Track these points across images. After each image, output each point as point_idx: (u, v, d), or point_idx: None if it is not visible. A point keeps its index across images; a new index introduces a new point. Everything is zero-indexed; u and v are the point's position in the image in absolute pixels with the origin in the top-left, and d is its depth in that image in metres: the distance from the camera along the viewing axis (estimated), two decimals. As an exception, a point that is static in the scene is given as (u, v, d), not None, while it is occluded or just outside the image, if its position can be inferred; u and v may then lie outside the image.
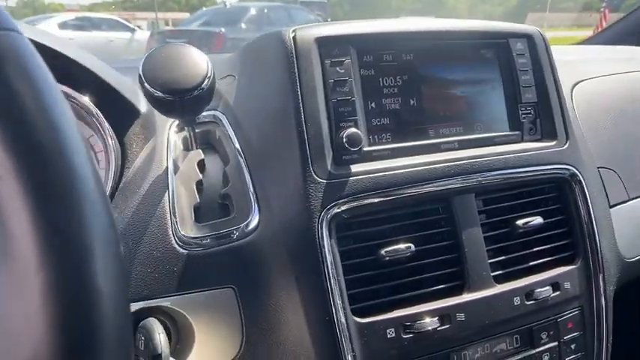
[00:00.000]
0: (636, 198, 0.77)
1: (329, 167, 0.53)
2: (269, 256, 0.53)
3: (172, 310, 0.51)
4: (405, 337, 0.53)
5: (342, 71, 0.55)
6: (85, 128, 0.59)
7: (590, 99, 0.83)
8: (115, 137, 0.58)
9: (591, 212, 0.64)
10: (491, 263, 0.59)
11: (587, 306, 0.64)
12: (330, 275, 0.51)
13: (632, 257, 0.75)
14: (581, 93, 0.83)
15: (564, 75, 0.85)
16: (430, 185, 0.56)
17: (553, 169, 0.63)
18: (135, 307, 0.49)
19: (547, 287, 0.60)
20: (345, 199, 0.53)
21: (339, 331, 0.50)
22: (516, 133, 0.64)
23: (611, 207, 0.74)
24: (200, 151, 0.60)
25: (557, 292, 0.61)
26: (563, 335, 0.62)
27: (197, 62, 0.48)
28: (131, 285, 0.50)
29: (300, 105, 0.53)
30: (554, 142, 0.65)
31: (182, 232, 0.53)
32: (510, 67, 0.64)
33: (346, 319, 0.51)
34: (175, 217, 0.54)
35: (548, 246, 0.63)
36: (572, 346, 0.63)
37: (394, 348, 0.53)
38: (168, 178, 0.56)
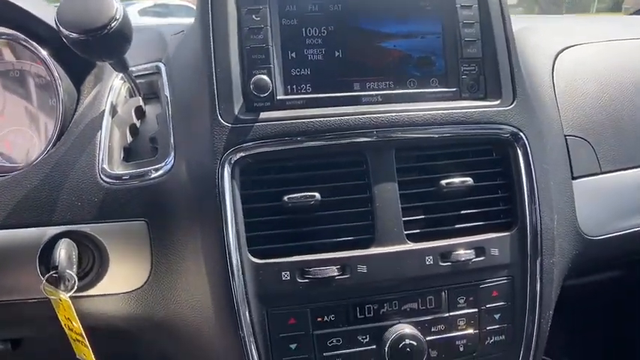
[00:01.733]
0: (609, 172, 0.70)
1: (236, 112, 0.55)
2: (179, 195, 0.57)
3: (91, 235, 0.56)
4: (300, 281, 0.54)
5: (258, 19, 0.56)
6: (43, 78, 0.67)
7: (574, 67, 0.76)
8: (62, 86, 0.64)
9: (534, 179, 0.60)
10: (407, 221, 0.57)
11: (520, 277, 0.60)
12: (228, 216, 0.53)
13: (597, 235, 0.68)
14: (566, 60, 0.76)
15: (550, 40, 0.79)
16: (342, 137, 0.56)
17: (490, 128, 0.60)
18: (57, 230, 0.56)
19: (469, 251, 0.58)
20: (250, 144, 0.54)
21: (232, 268, 0.53)
22: (453, 90, 0.61)
23: (574, 178, 0.68)
24: (139, 98, 0.65)
25: (482, 258, 0.58)
26: (484, 303, 0.59)
27: (106, 4, 0.52)
28: (56, 210, 0.57)
29: (212, 51, 0.55)
30: (497, 102, 0.61)
31: (107, 168, 0.58)
32: (453, 20, 0.61)
33: (241, 259, 0.53)
34: (102, 155, 0.59)
35: (478, 210, 0.60)
36: (496, 316, 0.59)
37: (288, 291, 0.54)
38: (103, 119, 0.61)
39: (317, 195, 0.55)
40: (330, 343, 0.55)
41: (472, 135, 0.60)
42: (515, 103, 0.61)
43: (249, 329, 0.53)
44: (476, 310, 0.59)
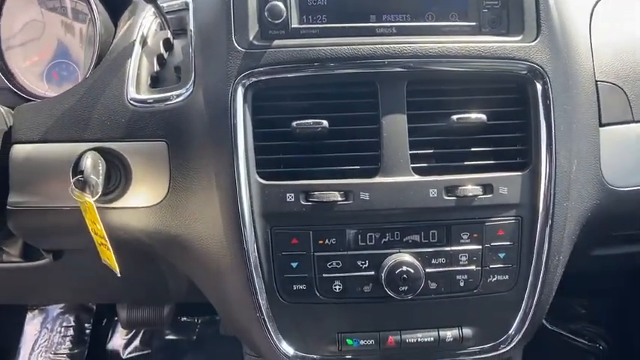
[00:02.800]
0: (641, 122, 0.66)
1: (251, 38, 0.57)
2: (196, 118, 0.60)
3: (117, 152, 0.61)
4: (304, 203, 0.56)
5: None
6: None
7: (615, 13, 0.71)
8: (100, 20, 0.69)
9: (552, 119, 0.58)
10: (414, 155, 0.58)
11: (529, 219, 0.59)
12: (239, 138, 0.56)
13: (622, 186, 0.65)
14: (609, 3, 0.71)
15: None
16: (354, 66, 0.57)
17: (509, 64, 0.58)
18: (89, 146, 0.61)
19: (475, 187, 0.57)
20: (263, 69, 0.56)
21: (239, 187, 0.56)
22: (472, 24, 0.59)
23: (602, 125, 0.64)
24: (168, 31, 0.69)
25: (489, 196, 0.58)
26: (489, 241, 0.58)
27: None
28: (89, 128, 0.62)
29: None
30: (519, 37, 0.59)
31: (134, 93, 0.63)
32: None
33: (249, 179, 0.56)
34: (130, 80, 0.63)
35: (490, 149, 0.59)
36: (500, 255, 0.59)
37: (292, 212, 0.56)
38: (133, 49, 0.66)
39: (325, 123, 0.56)
40: (329, 265, 0.57)
41: (489, 70, 0.58)
42: (538, 39, 0.58)
43: (254, 245, 0.57)
44: (479, 247, 0.58)
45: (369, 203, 0.56)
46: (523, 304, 0.60)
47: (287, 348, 0.59)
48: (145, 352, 1.60)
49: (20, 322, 1.49)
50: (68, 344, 1.50)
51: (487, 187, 0.58)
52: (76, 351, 1.50)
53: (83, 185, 0.55)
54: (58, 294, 1.05)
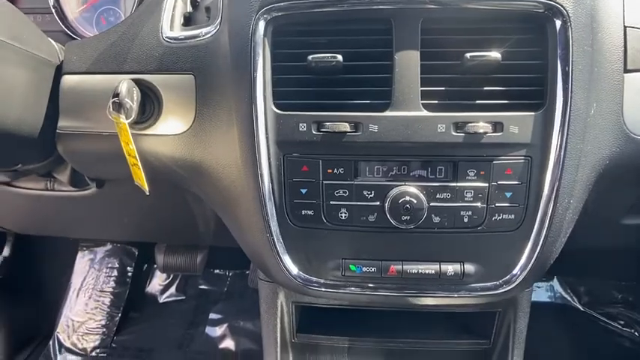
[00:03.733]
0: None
1: None
2: (221, 53, 0.64)
3: (151, 84, 0.67)
4: (315, 133, 0.59)
5: None
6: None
7: None
8: None
9: (570, 60, 0.57)
10: (425, 92, 0.59)
11: (539, 159, 0.59)
12: (258, 70, 0.60)
13: None
14: None
15: None
16: (370, 3, 0.58)
17: (527, 0, 0.57)
18: (127, 77, 0.67)
19: (485, 124, 0.57)
20: (282, 5, 0.59)
21: (256, 116, 0.60)
22: None
23: (628, 71, 0.62)
24: None
25: (499, 134, 0.58)
26: (496, 179, 0.59)
27: None
28: (127, 62, 0.68)
29: None
30: None
31: (168, 30, 0.68)
32: None
33: (265, 108, 0.60)
34: (165, 19, 0.68)
35: (503, 88, 0.59)
36: (507, 194, 0.59)
37: (304, 140, 0.60)
38: None
39: (339, 57, 0.58)
40: (336, 194, 0.61)
41: (506, 7, 0.58)
42: None
43: (267, 171, 0.61)
44: (486, 184, 0.59)
45: (377, 135, 0.59)
46: (528, 245, 0.61)
47: (293, 268, 0.63)
48: (180, 298, 1.73)
49: (72, 259, 1.65)
50: (112, 284, 1.64)
51: (497, 125, 0.58)
52: (118, 290, 1.64)
53: (119, 107, 0.61)
54: (101, 228, 1.15)
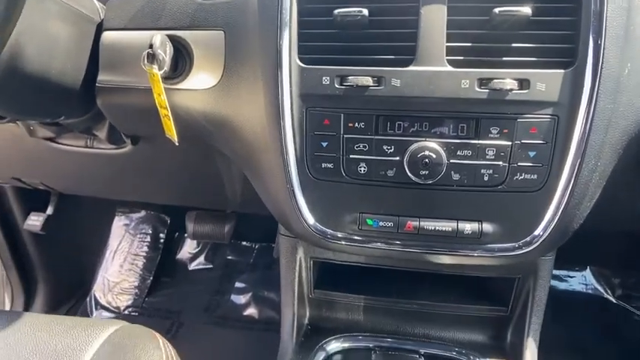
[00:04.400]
0: None
1: None
2: (250, 10, 0.66)
3: (183, 39, 0.70)
4: (337, 86, 0.60)
5: None
6: None
7: None
8: None
9: (605, 16, 0.54)
10: (451, 47, 0.58)
11: (566, 118, 0.57)
12: (283, 26, 0.61)
13: None
14: None
15: None
16: None
17: None
18: (161, 32, 0.70)
19: (512, 81, 0.56)
20: None
21: (281, 69, 0.61)
22: None
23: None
24: None
25: (525, 91, 0.57)
26: (519, 138, 0.58)
27: None
28: (162, 18, 0.71)
29: None
30: None
31: None
32: None
33: (290, 62, 0.61)
34: None
35: (532, 45, 0.57)
36: (531, 154, 0.58)
37: (326, 94, 0.61)
38: None
39: (365, 11, 0.59)
40: (356, 148, 0.61)
41: None
42: None
43: (290, 123, 0.62)
44: (509, 143, 0.58)
45: (399, 90, 0.59)
46: (550, 208, 0.60)
47: (311, 220, 0.65)
48: (208, 266, 1.80)
49: (109, 224, 1.74)
50: (145, 249, 1.73)
51: (524, 82, 0.57)
52: (150, 255, 1.72)
53: (152, 59, 0.64)
54: (136, 189, 1.21)
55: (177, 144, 0.71)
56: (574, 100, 0.56)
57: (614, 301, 1.63)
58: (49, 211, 1.40)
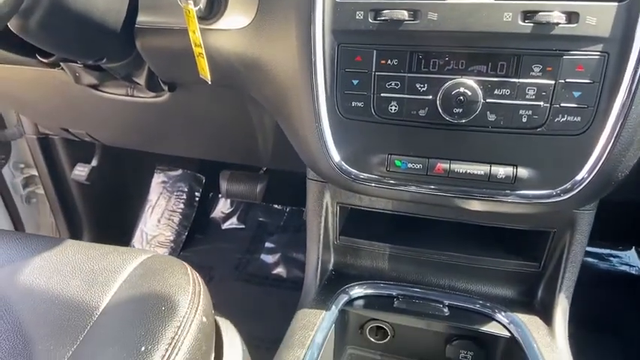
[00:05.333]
0: None
1: None
2: None
3: None
4: (371, 21, 0.58)
5: None
6: None
7: None
8: None
9: None
10: None
11: (617, 55, 0.53)
12: None
13: None
14: None
15: None
16: None
17: None
18: None
19: (559, 14, 0.53)
20: None
21: (314, 4, 0.60)
22: None
23: None
24: None
25: (573, 25, 0.53)
26: (564, 76, 0.54)
27: None
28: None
29: None
30: None
31: None
32: None
33: None
34: None
35: None
36: (575, 94, 0.55)
37: (360, 29, 0.59)
38: None
39: None
40: (388, 86, 0.60)
41: None
42: None
43: (321, 60, 0.61)
44: (552, 82, 0.55)
45: (436, 24, 0.56)
46: (592, 154, 0.56)
47: (339, 159, 0.64)
48: (240, 227, 1.85)
49: (149, 180, 1.82)
50: (181, 206, 1.79)
51: (572, 16, 0.53)
52: (186, 212, 1.79)
53: (187, -6, 0.65)
54: (173, 142, 1.25)
55: (209, 82, 0.72)
56: (627, 36, 0.52)
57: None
58: (94, 162, 1.48)
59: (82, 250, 0.68)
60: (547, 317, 0.70)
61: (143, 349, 0.48)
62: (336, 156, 0.64)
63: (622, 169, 0.58)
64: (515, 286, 0.75)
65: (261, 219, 1.85)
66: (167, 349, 0.49)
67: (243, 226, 1.84)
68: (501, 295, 0.75)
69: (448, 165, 0.60)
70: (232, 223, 1.86)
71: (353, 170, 0.65)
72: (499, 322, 0.69)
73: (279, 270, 1.64)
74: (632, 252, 1.62)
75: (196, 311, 0.55)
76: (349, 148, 0.64)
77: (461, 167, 0.60)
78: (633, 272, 1.58)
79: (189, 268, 0.65)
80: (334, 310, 0.71)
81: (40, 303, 0.59)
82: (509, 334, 0.67)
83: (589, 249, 1.63)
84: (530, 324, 0.67)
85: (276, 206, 1.86)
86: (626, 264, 1.61)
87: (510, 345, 0.67)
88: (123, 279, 0.61)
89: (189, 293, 0.57)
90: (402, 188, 0.63)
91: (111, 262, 0.65)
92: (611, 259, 1.62)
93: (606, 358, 1.26)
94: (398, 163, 0.62)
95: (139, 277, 0.60)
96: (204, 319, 0.55)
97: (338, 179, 0.66)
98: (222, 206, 1.88)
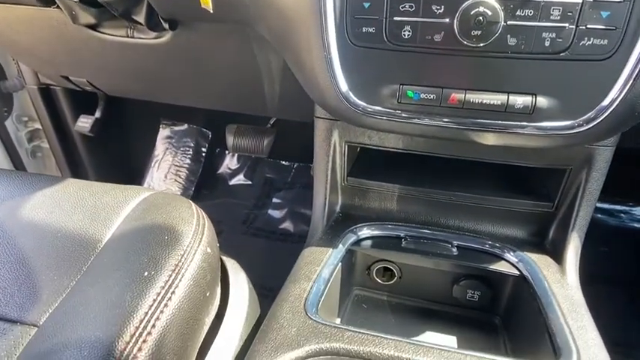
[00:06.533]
0: None
1: None
2: None
3: None
4: None
5: None
6: None
7: None
8: None
9: None
10: None
11: None
12: None
13: None
14: None
15: None
16: None
17: None
18: None
19: None
20: None
21: None
22: None
23: None
24: None
25: None
26: None
27: None
28: None
29: None
30: None
31: None
32: None
33: None
34: None
35: None
36: (603, 14, 0.50)
37: None
38: None
39: None
40: (402, 8, 0.56)
41: None
42: None
43: None
44: (579, 0, 0.50)
45: None
46: (619, 80, 0.52)
47: (347, 91, 0.61)
48: (247, 182, 1.84)
49: (154, 135, 1.80)
50: (188, 161, 1.78)
51: None
52: (192, 167, 1.78)
53: None
54: (177, 90, 1.22)
55: (211, 12, 0.69)
56: None
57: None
58: (97, 114, 1.45)
59: (84, 187, 0.67)
60: (558, 256, 0.68)
61: (146, 274, 0.47)
62: (344, 85, 0.60)
63: None
64: (526, 226, 0.73)
65: (268, 175, 1.84)
66: (170, 275, 0.48)
67: (250, 182, 1.83)
68: (511, 236, 0.73)
69: (463, 95, 0.57)
70: (239, 179, 1.85)
71: (362, 103, 0.62)
72: (508, 262, 0.68)
73: (287, 225, 1.64)
74: (644, 208, 1.59)
75: (200, 241, 0.54)
76: (358, 78, 0.60)
77: (476, 97, 0.57)
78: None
79: (193, 204, 0.63)
80: (341, 249, 0.70)
81: (42, 236, 0.58)
82: (518, 273, 0.66)
83: (598, 205, 1.61)
84: (540, 262, 0.66)
85: (283, 162, 1.84)
86: (637, 220, 1.59)
87: (519, 283, 0.66)
88: (126, 214, 0.60)
89: (192, 225, 0.56)
90: (414, 121, 0.60)
91: (113, 197, 0.63)
92: (622, 215, 1.60)
93: (617, 311, 1.26)
94: (410, 93, 0.59)
95: (142, 211, 0.59)
96: (209, 250, 0.55)
97: (346, 113, 0.63)
98: (229, 162, 1.87)
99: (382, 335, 0.51)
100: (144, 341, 0.42)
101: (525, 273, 0.65)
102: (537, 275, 0.63)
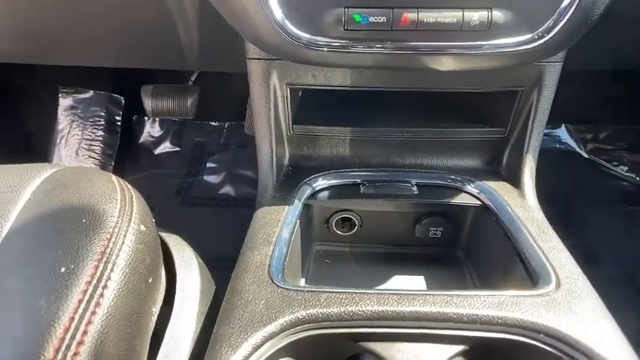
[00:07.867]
0: None
1: None
2: None
3: None
4: None
5: None
6: None
7: None
8: None
9: None
10: None
11: None
12: None
13: None
14: None
15: None
16: None
17: None
18: None
19: None
20: None
21: None
22: None
23: None
24: None
25: None
26: None
27: None
28: None
29: None
30: None
31: None
32: None
33: None
34: None
35: None
36: None
37: None
38: None
39: None
40: None
41: None
42: None
43: None
44: None
45: None
46: None
47: (284, 21, 0.52)
48: (175, 149, 1.68)
49: (54, 108, 1.55)
50: (101, 132, 1.57)
51: None
52: (108, 139, 1.57)
53: None
54: (81, 50, 1.02)
55: None
56: None
57: (585, 155, 1.66)
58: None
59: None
60: (515, 181, 0.68)
61: (64, 270, 0.37)
62: (278, 13, 0.51)
63: (597, 8, 0.52)
64: (481, 155, 0.72)
65: (197, 139, 1.69)
66: (97, 267, 0.38)
67: (178, 149, 1.67)
68: (468, 167, 0.71)
69: (416, 14, 0.50)
70: (165, 147, 1.68)
71: (303, 34, 0.53)
72: (469, 193, 0.66)
73: (227, 189, 1.54)
74: (562, 129, 1.70)
75: (130, 219, 0.44)
76: (296, 2, 0.51)
77: (430, 16, 0.50)
78: (563, 148, 1.68)
79: (113, 176, 0.52)
80: (298, 204, 0.63)
81: None
82: (479, 203, 0.64)
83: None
84: (499, 189, 0.65)
85: (213, 123, 1.70)
86: (558, 141, 1.70)
87: (480, 213, 0.64)
88: (25, 199, 0.48)
89: (117, 200, 0.45)
90: (363, 49, 0.53)
91: (4, 181, 0.50)
92: (544, 138, 1.70)
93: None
94: (357, 17, 0.51)
95: (47, 193, 0.47)
96: (143, 228, 0.45)
97: (284, 47, 0.53)
98: (151, 129, 1.68)
99: (362, 291, 0.46)
100: (75, 354, 0.33)
101: (487, 202, 0.63)
102: (500, 202, 0.62)
